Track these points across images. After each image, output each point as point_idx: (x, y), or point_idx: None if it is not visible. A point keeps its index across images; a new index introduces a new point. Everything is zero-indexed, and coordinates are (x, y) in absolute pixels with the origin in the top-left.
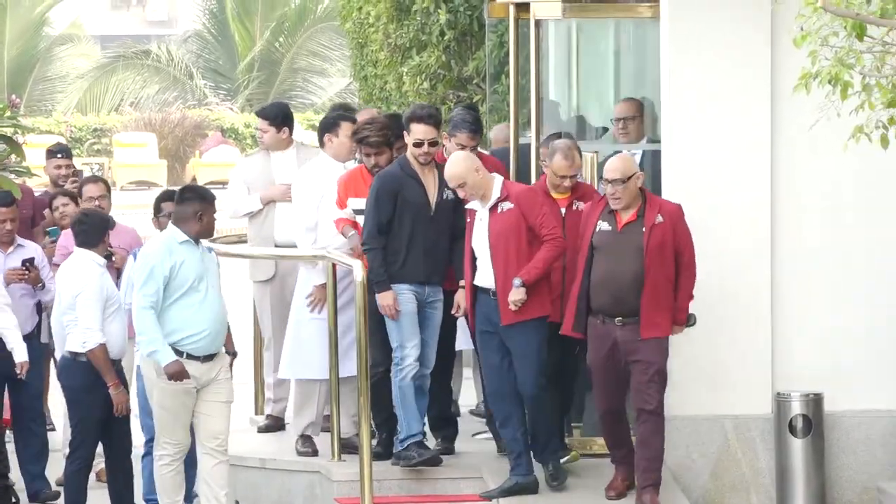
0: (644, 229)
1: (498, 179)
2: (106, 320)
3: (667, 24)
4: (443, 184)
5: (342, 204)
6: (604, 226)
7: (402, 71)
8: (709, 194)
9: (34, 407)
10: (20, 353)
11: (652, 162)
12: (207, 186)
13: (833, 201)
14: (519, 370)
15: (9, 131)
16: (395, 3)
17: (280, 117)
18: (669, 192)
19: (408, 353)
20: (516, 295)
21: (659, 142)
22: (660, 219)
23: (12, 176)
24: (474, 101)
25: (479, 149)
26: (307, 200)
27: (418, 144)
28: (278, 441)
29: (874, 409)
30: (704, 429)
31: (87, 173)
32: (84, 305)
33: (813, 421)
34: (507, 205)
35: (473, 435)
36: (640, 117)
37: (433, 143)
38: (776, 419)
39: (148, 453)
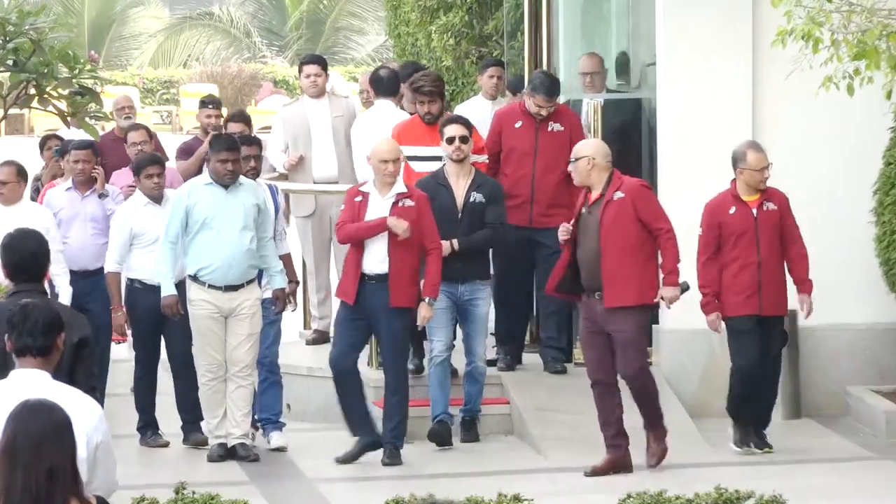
0: (601, 206)
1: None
2: (138, 252)
3: None
4: (472, 187)
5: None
6: (584, 208)
7: (430, 29)
8: (699, 136)
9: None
10: (65, 297)
11: (615, 109)
12: (262, 131)
13: (809, 139)
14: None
15: (89, 83)
16: None
17: (327, 65)
18: (664, 134)
19: (435, 346)
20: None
21: (615, 91)
22: (619, 195)
23: (92, 121)
24: (493, 55)
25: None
26: (365, 142)
27: (450, 141)
28: (323, 352)
29: (841, 324)
30: (694, 341)
31: (157, 120)
32: (110, 236)
33: (788, 334)
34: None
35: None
36: (602, 71)
37: (464, 140)
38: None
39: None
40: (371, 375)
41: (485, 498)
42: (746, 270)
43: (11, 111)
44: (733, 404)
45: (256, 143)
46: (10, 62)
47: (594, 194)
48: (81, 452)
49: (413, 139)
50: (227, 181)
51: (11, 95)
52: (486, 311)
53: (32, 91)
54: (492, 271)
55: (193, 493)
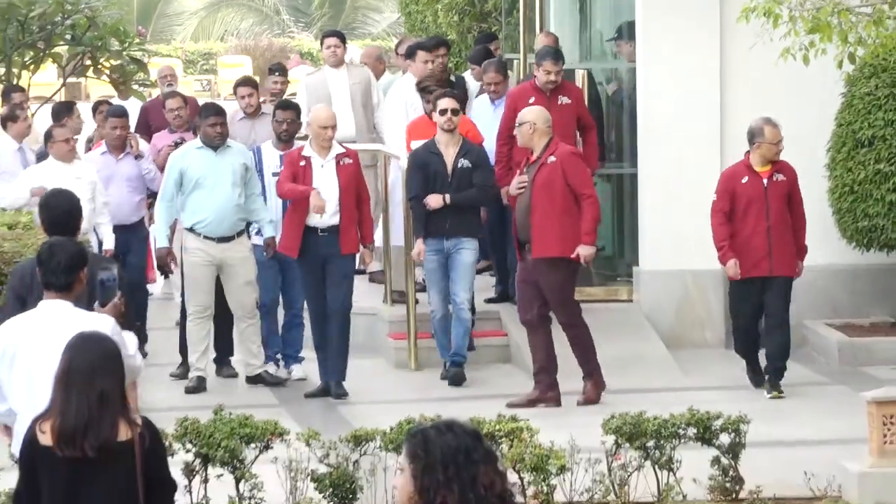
0: (536, 167)
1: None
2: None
3: None
4: (460, 154)
5: (407, 148)
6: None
7: (437, 7)
8: (673, 100)
9: (138, 279)
10: (109, 242)
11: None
12: (292, 96)
13: (771, 103)
14: None
15: (138, 55)
16: None
17: (345, 39)
18: (643, 98)
19: (433, 300)
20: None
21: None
22: (552, 159)
23: (140, 88)
24: (493, 31)
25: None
26: (397, 111)
27: (443, 112)
28: None
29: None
30: (670, 281)
31: (197, 88)
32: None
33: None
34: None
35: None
36: (557, 48)
37: (455, 112)
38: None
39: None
40: (385, 311)
41: (486, 418)
42: (757, 235)
43: (70, 79)
44: (740, 352)
45: (293, 107)
46: (68, 37)
47: (533, 156)
48: None
49: (422, 135)
50: (216, 143)
51: (70, 66)
52: (471, 261)
53: (88, 62)
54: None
55: (230, 413)
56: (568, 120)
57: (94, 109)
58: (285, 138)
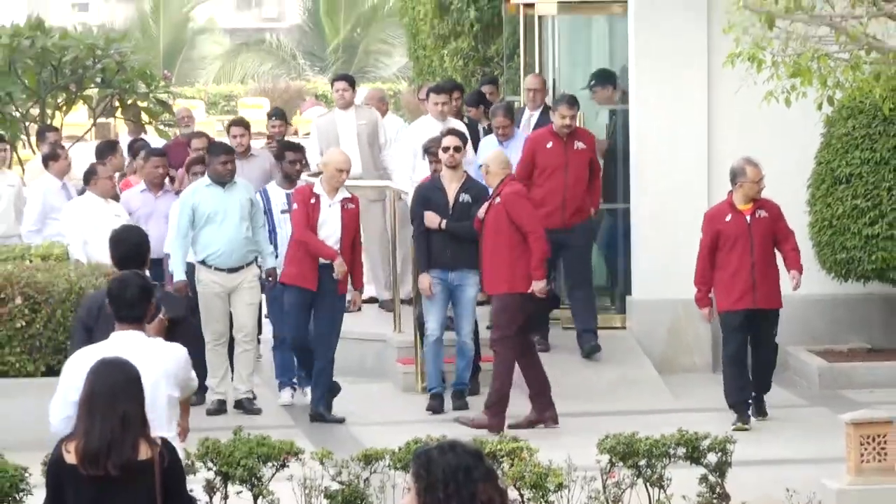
0: (487, 207)
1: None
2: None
3: (633, 20)
4: (462, 189)
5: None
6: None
7: (443, 53)
8: (662, 139)
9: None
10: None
11: (546, 120)
12: (305, 136)
13: (755, 142)
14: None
15: (163, 96)
16: (437, 3)
17: (354, 82)
18: (636, 136)
19: (429, 326)
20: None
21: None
22: (497, 200)
23: (165, 128)
24: (495, 74)
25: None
26: (408, 152)
27: (446, 150)
28: (355, 319)
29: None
30: (661, 309)
31: (219, 128)
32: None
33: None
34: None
35: None
36: (543, 89)
37: (457, 150)
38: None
39: (275, 347)
40: (394, 338)
41: (488, 438)
42: (742, 272)
43: (99, 120)
44: (729, 392)
45: (302, 149)
46: (98, 79)
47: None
48: (174, 390)
49: None
50: (226, 179)
51: (100, 107)
52: (473, 294)
53: (116, 103)
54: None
55: (249, 434)
56: (582, 163)
57: (130, 147)
58: (295, 178)
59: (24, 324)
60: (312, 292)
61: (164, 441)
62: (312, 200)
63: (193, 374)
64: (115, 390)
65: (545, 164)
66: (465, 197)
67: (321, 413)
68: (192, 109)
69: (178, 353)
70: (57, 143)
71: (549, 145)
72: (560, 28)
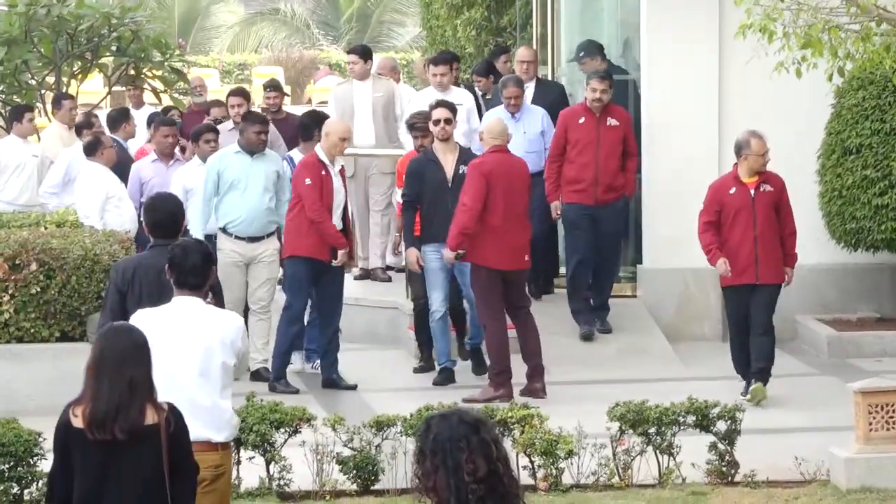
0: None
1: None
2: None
3: None
4: (459, 161)
5: (399, 183)
6: None
7: (456, 23)
8: (675, 110)
9: None
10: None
11: (541, 92)
12: (319, 106)
13: (766, 113)
14: None
15: (178, 65)
16: None
17: (365, 53)
18: (647, 107)
19: (433, 301)
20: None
21: (544, 77)
22: (462, 169)
23: (179, 96)
24: (508, 44)
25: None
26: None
27: (436, 123)
28: (367, 286)
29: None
30: (670, 279)
31: None
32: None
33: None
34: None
35: None
36: (535, 61)
37: (448, 122)
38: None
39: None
40: (406, 305)
41: (499, 406)
42: (744, 244)
43: (115, 88)
44: (737, 361)
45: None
46: (113, 48)
47: None
48: (230, 358)
49: None
50: (257, 149)
51: (115, 75)
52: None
53: (132, 72)
54: None
55: (261, 400)
56: (615, 140)
57: (150, 121)
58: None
59: (39, 290)
60: (322, 263)
61: (171, 406)
62: (323, 172)
63: (249, 343)
64: (124, 356)
65: (576, 139)
66: (464, 168)
67: (334, 379)
68: (207, 78)
69: (235, 321)
70: (99, 131)
71: (581, 121)
72: None
